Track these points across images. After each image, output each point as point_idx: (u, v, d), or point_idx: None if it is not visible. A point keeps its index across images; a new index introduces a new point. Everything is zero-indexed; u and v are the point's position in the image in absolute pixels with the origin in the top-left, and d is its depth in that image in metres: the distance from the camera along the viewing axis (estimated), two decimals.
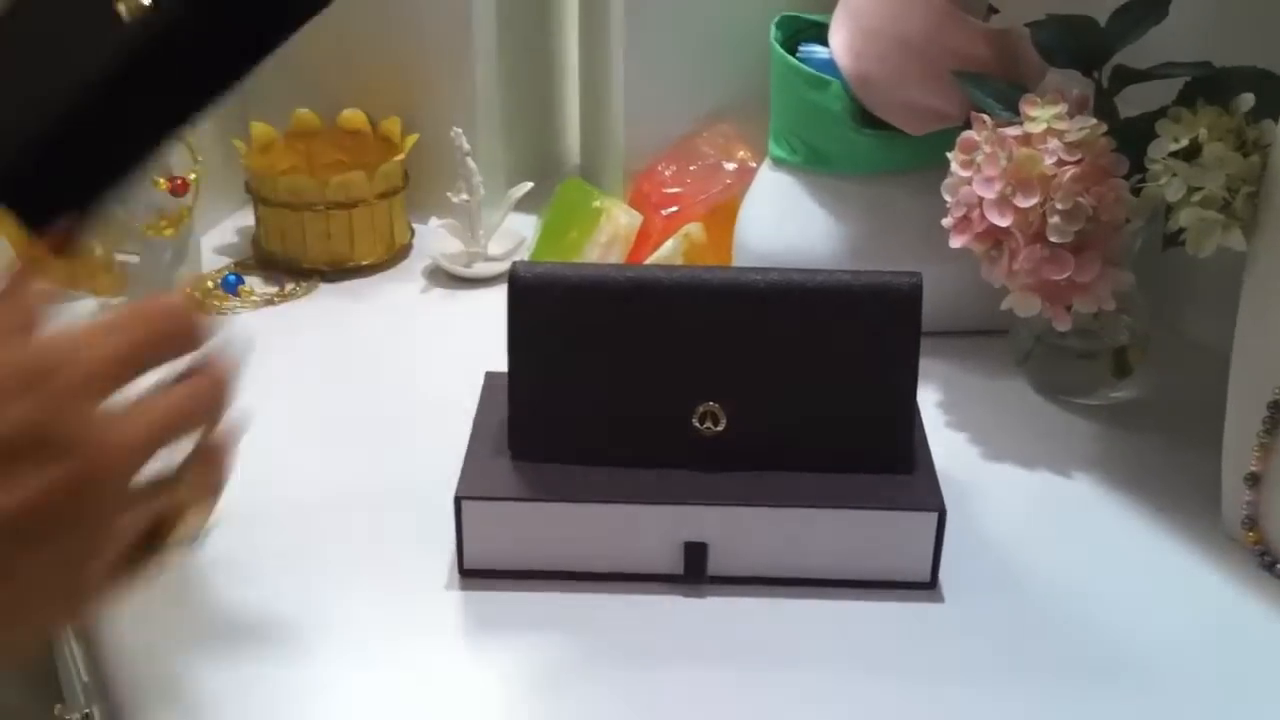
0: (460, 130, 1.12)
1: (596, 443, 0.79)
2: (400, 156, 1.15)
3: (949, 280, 0.90)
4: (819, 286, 0.77)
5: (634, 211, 1.11)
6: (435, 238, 1.16)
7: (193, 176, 1.06)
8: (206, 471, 0.50)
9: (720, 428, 0.78)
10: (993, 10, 0.99)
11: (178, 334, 0.49)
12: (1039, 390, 0.95)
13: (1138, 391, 0.95)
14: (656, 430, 0.78)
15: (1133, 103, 0.87)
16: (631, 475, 0.78)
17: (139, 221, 1.07)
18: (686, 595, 0.77)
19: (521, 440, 0.80)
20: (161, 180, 1.05)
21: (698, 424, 0.78)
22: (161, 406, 0.47)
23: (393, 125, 1.18)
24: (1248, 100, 0.80)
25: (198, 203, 1.08)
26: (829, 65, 0.98)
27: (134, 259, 1.09)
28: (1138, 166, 0.83)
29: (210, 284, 1.09)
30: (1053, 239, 0.81)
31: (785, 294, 0.76)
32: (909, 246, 0.95)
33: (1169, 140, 0.80)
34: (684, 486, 0.77)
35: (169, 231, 1.07)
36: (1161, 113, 0.83)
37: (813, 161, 1.00)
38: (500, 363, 0.79)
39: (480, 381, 0.86)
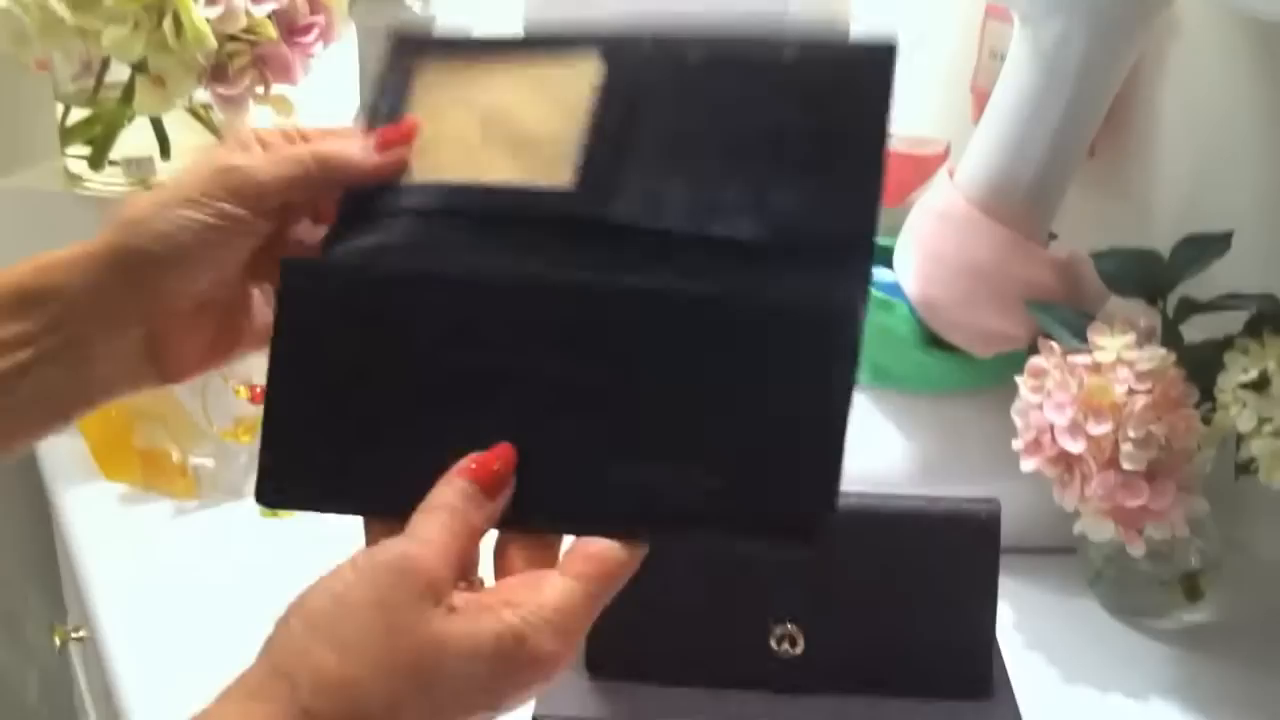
0: None
1: (674, 662, 0.79)
2: None
3: (1018, 499, 0.90)
4: (896, 512, 0.78)
5: None
6: None
7: None
8: None
9: (798, 650, 0.78)
10: (1052, 236, 1.02)
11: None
12: (1110, 611, 0.95)
13: (1210, 614, 0.94)
14: (734, 651, 0.79)
15: (1196, 328, 0.89)
16: (709, 696, 0.78)
17: (216, 427, 1.10)
18: None
19: (599, 658, 0.80)
20: (242, 389, 1.08)
21: (775, 645, 0.78)
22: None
23: None
24: None
25: None
26: (894, 288, 1.01)
27: (209, 463, 1.11)
28: (1205, 393, 0.84)
29: None
30: (1126, 466, 0.82)
31: (863, 519, 0.77)
32: (978, 465, 0.97)
33: (1238, 371, 0.82)
34: (762, 711, 0.77)
35: (246, 438, 1.09)
36: (1227, 342, 0.85)
37: (880, 380, 1.02)
38: None
39: None
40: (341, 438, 0.53)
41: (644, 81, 0.57)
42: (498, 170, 0.57)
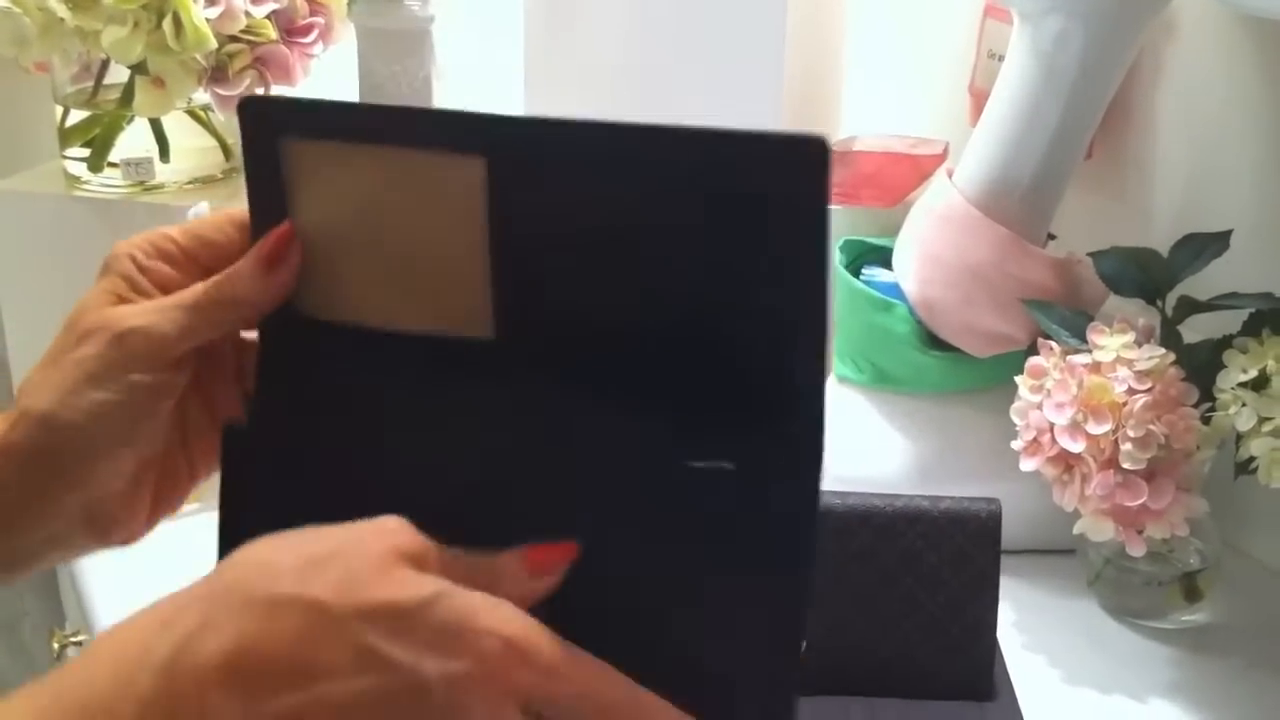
0: None
1: None
2: None
3: (1017, 499, 0.91)
4: (898, 512, 0.78)
5: None
6: None
7: None
8: None
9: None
10: (1051, 236, 1.02)
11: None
12: (1110, 612, 0.95)
13: (1210, 616, 0.94)
14: None
15: (1195, 328, 0.89)
16: None
17: None
18: None
19: None
20: None
21: None
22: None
23: None
24: None
25: None
26: (893, 288, 1.01)
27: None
28: (1204, 393, 0.84)
29: None
30: (1126, 466, 0.82)
31: (865, 519, 0.77)
32: (978, 466, 0.97)
33: (1237, 371, 0.82)
34: None
35: None
36: (1225, 341, 0.85)
37: (879, 381, 1.02)
38: None
39: None
40: None
41: (538, 190, 0.49)
42: (411, 310, 0.52)
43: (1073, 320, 0.90)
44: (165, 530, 1.04)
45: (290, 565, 0.42)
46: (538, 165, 0.48)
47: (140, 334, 0.51)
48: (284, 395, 0.54)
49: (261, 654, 0.41)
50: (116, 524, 0.54)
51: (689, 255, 0.48)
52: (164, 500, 0.56)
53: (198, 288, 0.53)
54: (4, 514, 0.52)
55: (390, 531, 0.44)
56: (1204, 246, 0.89)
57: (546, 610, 0.45)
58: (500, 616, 0.43)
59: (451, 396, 0.51)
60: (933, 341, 1.00)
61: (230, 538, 0.52)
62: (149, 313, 0.52)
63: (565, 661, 0.43)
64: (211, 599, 0.42)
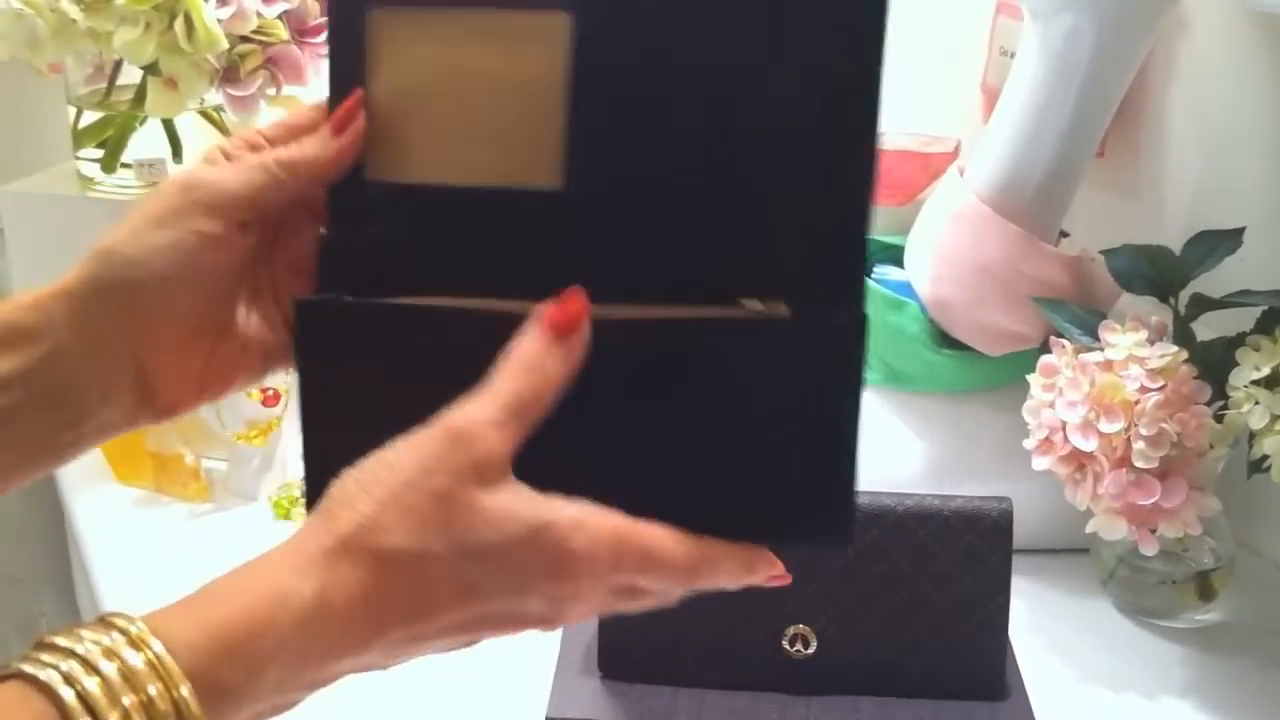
0: None
1: (686, 663, 0.79)
2: None
3: (1030, 499, 0.91)
4: (909, 511, 0.78)
5: None
6: None
7: (285, 388, 1.10)
8: None
9: (810, 651, 0.78)
10: (1064, 234, 1.02)
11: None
12: (1123, 611, 0.95)
13: (1223, 615, 0.94)
14: (746, 652, 0.79)
15: (1208, 325, 0.88)
16: (721, 699, 0.78)
17: (229, 430, 1.10)
18: None
19: (611, 659, 0.80)
20: (255, 392, 1.08)
21: (788, 646, 0.78)
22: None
23: None
24: None
25: (288, 412, 1.11)
26: (905, 287, 1.01)
27: (221, 466, 1.12)
28: (1217, 391, 0.84)
29: (297, 491, 1.11)
30: (1138, 464, 0.82)
31: (876, 518, 0.77)
32: (990, 465, 0.97)
33: (1250, 368, 0.82)
34: (774, 712, 0.77)
35: (259, 440, 1.10)
36: (1239, 339, 0.85)
37: (891, 380, 1.02)
38: None
39: None
40: None
41: (620, 39, 0.52)
42: (480, 165, 0.54)
43: (1085, 318, 0.90)
44: (180, 533, 1.05)
45: (389, 518, 0.47)
46: (620, 16, 0.52)
47: (206, 185, 0.54)
48: (349, 242, 0.55)
49: (382, 606, 0.47)
50: (162, 385, 0.55)
51: (759, 93, 0.51)
52: (213, 378, 0.57)
53: (269, 151, 0.55)
54: (60, 360, 0.53)
55: (455, 460, 0.47)
56: (1217, 244, 0.89)
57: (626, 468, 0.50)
58: (589, 536, 0.48)
59: (516, 246, 0.53)
60: (945, 340, 1.00)
61: (311, 411, 0.54)
62: (218, 171, 0.55)
63: (649, 553, 0.48)
64: (327, 559, 0.47)
